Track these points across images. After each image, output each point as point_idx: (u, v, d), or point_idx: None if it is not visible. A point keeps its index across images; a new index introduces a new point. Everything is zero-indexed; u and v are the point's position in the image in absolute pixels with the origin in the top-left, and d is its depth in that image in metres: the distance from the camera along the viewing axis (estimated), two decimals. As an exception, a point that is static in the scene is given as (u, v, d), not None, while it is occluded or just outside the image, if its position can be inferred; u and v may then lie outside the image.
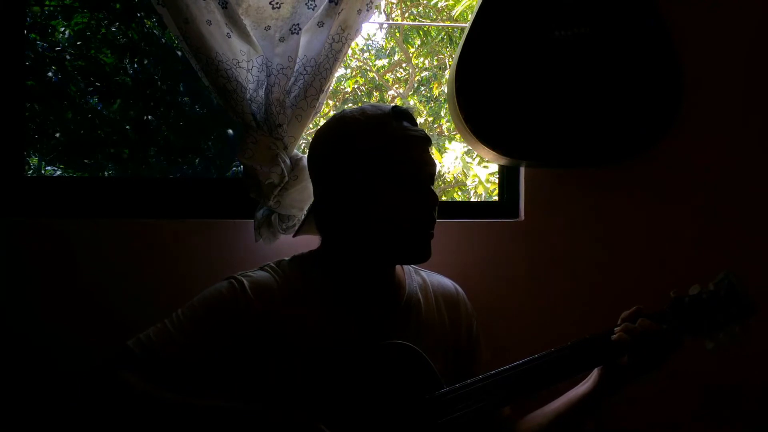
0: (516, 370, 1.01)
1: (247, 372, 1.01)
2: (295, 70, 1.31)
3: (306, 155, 1.36)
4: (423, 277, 1.19)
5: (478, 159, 3.12)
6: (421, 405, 1.00)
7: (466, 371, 1.11)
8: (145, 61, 3.16)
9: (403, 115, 1.06)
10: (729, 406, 1.50)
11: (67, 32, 3.11)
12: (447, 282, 1.22)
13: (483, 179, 2.88)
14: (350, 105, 4.38)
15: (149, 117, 3.24)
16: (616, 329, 1.03)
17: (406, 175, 1.03)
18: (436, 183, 1.12)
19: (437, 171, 1.07)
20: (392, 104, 1.06)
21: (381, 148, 1.02)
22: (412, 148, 1.04)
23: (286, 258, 1.12)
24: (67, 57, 3.07)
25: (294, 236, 1.17)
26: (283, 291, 1.05)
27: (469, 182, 3.20)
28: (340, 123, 1.07)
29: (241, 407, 0.92)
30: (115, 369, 0.95)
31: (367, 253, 1.07)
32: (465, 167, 3.06)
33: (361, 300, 1.08)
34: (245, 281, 1.04)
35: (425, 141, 1.06)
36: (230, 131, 3.34)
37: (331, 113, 4.32)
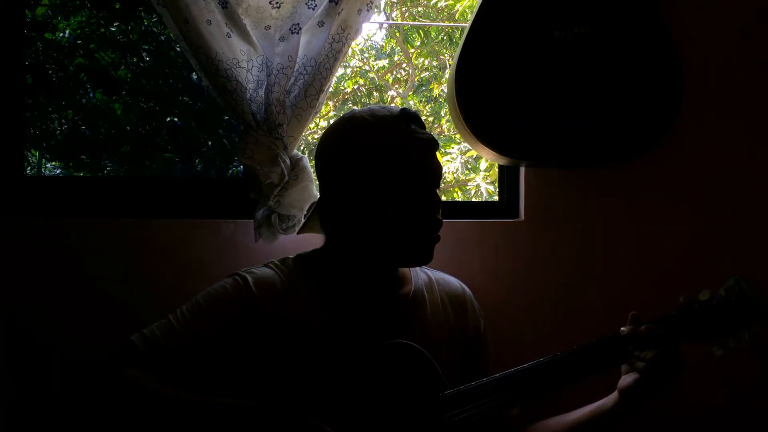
0: (524, 371, 1.01)
1: (250, 369, 1.01)
2: (295, 69, 1.31)
3: (305, 155, 1.37)
4: (428, 275, 1.19)
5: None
6: (424, 406, 0.99)
7: (473, 370, 1.11)
8: (147, 58, 3.16)
9: (412, 117, 1.06)
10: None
11: (67, 31, 3.12)
12: (453, 281, 1.22)
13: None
14: (351, 105, 4.38)
15: (151, 111, 3.24)
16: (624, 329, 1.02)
17: (411, 177, 1.04)
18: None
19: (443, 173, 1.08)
20: (401, 106, 1.07)
21: (387, 149, 1.03)
22: (419, 151, 1.05)
23: (291, 256, 1.13)
24: (68, 55, 3.07)
25: (298, 233, 1.18)
26: (286, 288, 1.05)
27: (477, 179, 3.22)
28: (348, 122, 1.08)
29: (246, 405, 0.92)
30: (119, 365, 0.95)
31: (369, 254, 1.07)
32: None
33: (365, 298, 1.08)
34: (249, 278, 1.04)
35: (432, 144, 1.07)
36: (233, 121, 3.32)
37: (331, 113, 4.33)
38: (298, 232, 1.18)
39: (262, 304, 1.02)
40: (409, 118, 1.06)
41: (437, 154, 1.09)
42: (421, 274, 1.18)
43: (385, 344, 1.01)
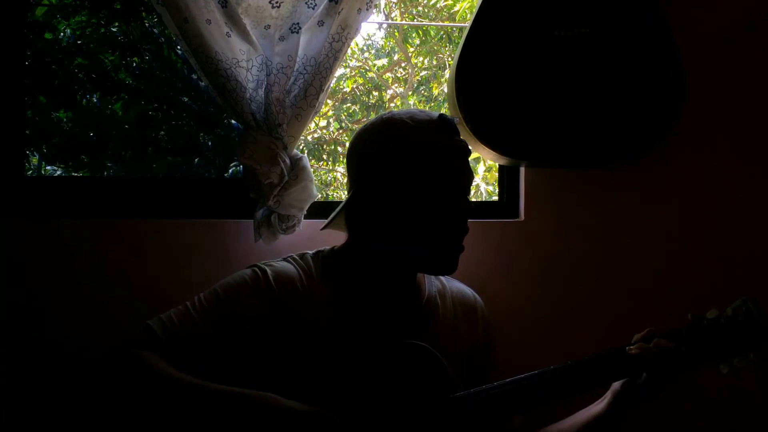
0: (531, 380, 1.01)
1: (263, 363, 1.01)
2: (294, 69, 1.31)
3: (305, 155, 1.37)
4: (442, 282, 1.19)
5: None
6: (433, 407, 0.99)
7: (480, 378, 1.10)
8: (147, 57, 3.16)
9: (449, 124, 1.07)
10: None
11: (68, 30, 3.11)
12: (466, 289, 1.22)
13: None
14: (350, 104, 4.38)
15: (151, 113, 3.24)
16: (632, 348, 1.02)
17: (445, 183, 1.04)
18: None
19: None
20: (439, 112, 1.09)
21: (425, 153, 1.03)
22: (455, 158, 1.06)
23: (310, 252, 1.13)
24: (68, 55, 3.07)
25: (322, 229, 1.18)
26: (304, 284, 1.06)
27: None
28: (387, 124, 1.07)
29: (270, 400, 0.91)
30: (138, 350, 0.94)
31: (395, 258, 1.07)
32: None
33: (381, 300, 1.08)
34: (268, 270, 1.04)
35: (467, 152, 1.08)
36: (233, 121, 3.32)
37: (330, 112, 4.33)
38: (322, 228, 1.18)
39: (280, 298, 1.02)
40: (447, 124, 1.06)
41: None
42: (435, 281, 1.18)
43: (399, 344, 1.01)
